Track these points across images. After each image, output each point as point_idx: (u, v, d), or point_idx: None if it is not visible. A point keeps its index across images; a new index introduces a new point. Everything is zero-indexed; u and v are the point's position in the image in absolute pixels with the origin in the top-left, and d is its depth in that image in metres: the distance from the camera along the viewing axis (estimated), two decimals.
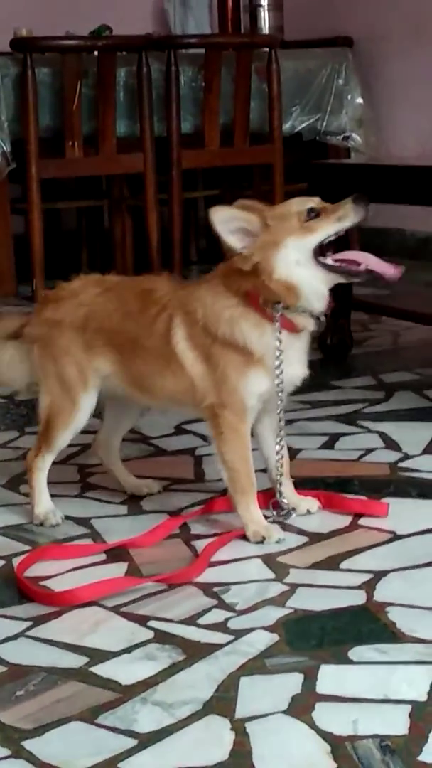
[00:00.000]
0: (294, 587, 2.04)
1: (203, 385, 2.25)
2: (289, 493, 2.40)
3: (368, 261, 2.22)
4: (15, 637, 1.89)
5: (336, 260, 2.20)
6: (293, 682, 1.70)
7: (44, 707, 1.66)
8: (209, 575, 2.11)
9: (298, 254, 2.16)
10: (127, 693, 1.69)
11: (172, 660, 1.79)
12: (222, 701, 1.66)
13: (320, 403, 3.22)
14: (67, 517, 2.42)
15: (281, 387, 2.25)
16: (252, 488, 2.28)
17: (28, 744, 1.56)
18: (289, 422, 3.02)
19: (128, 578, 2.10)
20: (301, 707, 1.63)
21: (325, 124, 5.62)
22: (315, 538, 2.27)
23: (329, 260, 2.19)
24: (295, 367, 2.27)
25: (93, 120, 5.04)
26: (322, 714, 1.61)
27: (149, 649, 1.83)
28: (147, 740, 1.56)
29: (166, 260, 5.29)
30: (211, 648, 1.82)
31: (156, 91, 5.14)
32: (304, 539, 2.26)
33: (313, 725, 1.58)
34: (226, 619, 1.92)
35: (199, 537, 2.29)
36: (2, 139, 4.91)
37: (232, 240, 2.16)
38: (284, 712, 1.62)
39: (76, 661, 1.80)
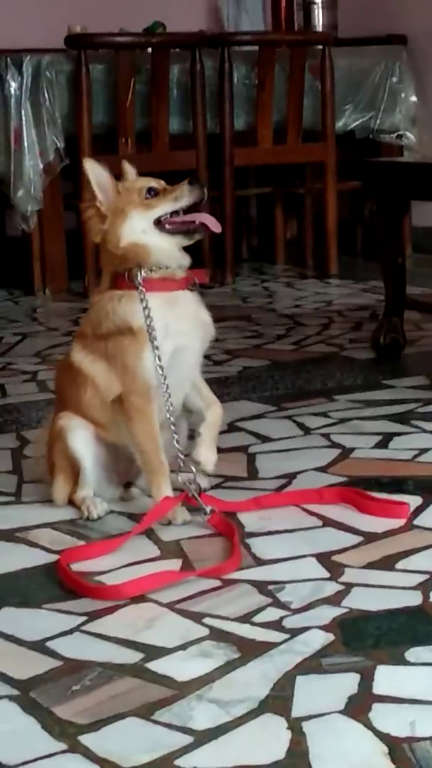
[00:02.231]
0: (349, 587, 2.03)
1: (106, 380, 2.37)
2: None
3: (200, 217, 2.37)
4: (70, 631, 1.89)
5: (173, 223, 2.35)
6: (350, 682, 1.69)
7: (100, 702, 1.66)
8: (263, 573, 2.10)
9: (142, 224, 2.35)
10: (182, 690, 1.69)
11: (228, 658, 1.78)
12: (278, 700, 1.65)
13: (373, 403, 3.21)
14: (120, 513, 2.42)
15: (158, 353, 2.31)
16: (162, 468, 2.36)
17: (85, 739, 1.56)
18: (342, 421, 3.03)
19: (169, 572, 2.09)
20: (358, 707, 1.62)
21: (378, 122, 5.60)
22: (370, 537, 2.25)
23: (167, 225, 2.35)
24: (187, 322, 2.36)
25: (146, 117, 5.05)
26: (379, 715, 1.59)
27: (204, 646, 1.82)
28: (203, 738, 1.56)
29: (217, 258, 5.29)
30: (267, 646, 1.81)
31: (209, 88, 5.15)
32: (359, 539, 2.25)
33: (370, 726, 1.57)
34: (281, 618, 1.91)
35: (253, 534, 2.29)
36: (56, 135, 4.93)
37: (99, 192, 2.36)
38: (341, 712, 1.61)
39: (131, 656, 1.80)
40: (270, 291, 5.19)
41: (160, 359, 2.32)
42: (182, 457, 2.37)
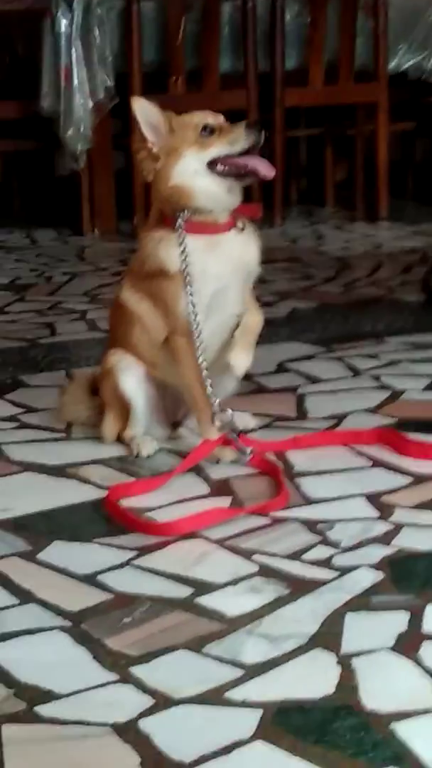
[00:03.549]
0: (399, 527, 2.02)
1: (152, 319, 2.37)
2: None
3: (253, 162, 2.31)
4: (121, 566, 1.91)
5: (226, 164, 2.30)
6: (399, 620, 1.69)
7: (151, 635, 1.67)
8: (312, 512, 2.11)
9: (195, 164, 2.30)
10: (232, 625, 1.70)
11: (277, 594, 1.79)
12: (327, 636, 1.65)
13: (423, 345, 3.18)
14: (169, 451, 2.43)
15: (192, 299, 2.30)
16: (209, 406, 2.33)
17: (136, 670, 1.58)
18: (391, 363, 3.02)
19: (219, 510, 2.10)
20: (408, 645, 1.62)
21: (431, 63, 5.51)
22: (419, 478, 2.25)
23: (220, 167, 2.30)
24: (228, 265, 2.34)
25: (196, 55, 5.00)
26: (429, 653, 1.60)
27: (254, 582, 1.83)
28: (253, 671, 1.57)
29: (266, 199, 5.26)
30: (316, 584, 1.82)
31: (260, 26, 5.08)
32: (409, 479, 2.25)
33: (420, 663, 1.57)
34: (331, 556, 1.92)
35: (302, 474, 2.29)
36: (106, 73, 4.89)
37: (148, 131, 2.30)
38: (390, 649, 1.61)
39: (181, 591, 1.81)
40: (319, 233, 5.16)
41: (194, 305, 2.29)
42: (217, 401, 2.34)
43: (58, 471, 2.35)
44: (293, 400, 2.77)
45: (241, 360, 2.36)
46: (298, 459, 2.36)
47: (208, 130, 2.30)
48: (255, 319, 2.42)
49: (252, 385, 2.85)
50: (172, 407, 2.48)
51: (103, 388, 2.45)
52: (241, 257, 2.37)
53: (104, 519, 2.11)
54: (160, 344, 2.38)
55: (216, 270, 2.33)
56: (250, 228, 2.40)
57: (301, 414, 2.67)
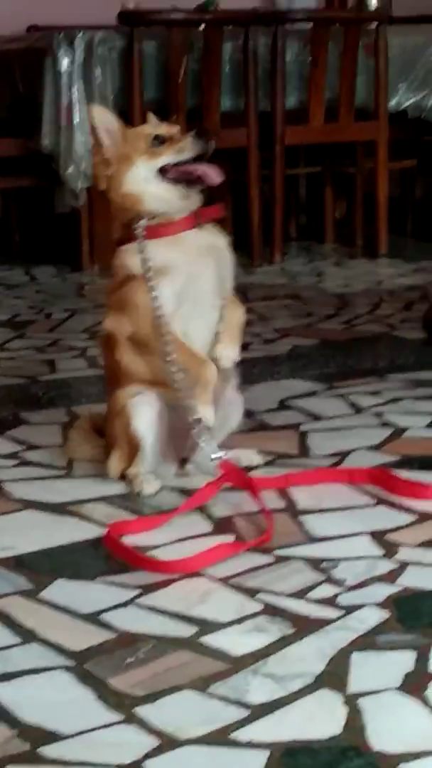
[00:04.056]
0: (404, 565, 2.02)
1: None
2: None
3: (200, 168, 2.38)
4: (124, 604, 1.90)
5: (175, 172, 2.38)
6: (406, 660, 1.68)
7: (155, 675, 1.66)
8: (316, 550, 2.10)
9: (145, 172, 2.38)
10: (237, 664, 1.68)
11: (282, 633, 1.78)
12: (333, 676, 1.64)
13: (425, 383, 3.18)
14: (172, 488, 2.42)
15: (161, 289, 2.34)
16: (205, 371, 2.34)
17: (141, 710, 1.57)
18: (394, 400, 3.02)
19: (223, 545, 2.09)
20: (415, 685, 1.61)
21: (431, 101, 5.54)
22: (424, 516, 2.24)
23: (171, 174, 2.38)
24: (194, 254, 2.37)
25: (197, 94, 5.03)
26: None
27: (259, 621, 1.82)
28: (259, 712, 1.55)
29: (266, 236, 5.28)
30: (321, 623, 1.81)
31: (261, 66, 5.11)
32: (413, 517, 2.24)
33: (427, 703, 1.56)
34: (335, 595, 1.91)
35: (305, 512, 2.28)
36: None
37: (105, 137, 2.40)
38: (397, 689, 1.60)
39: (185, 630, 1.80)
40: (319, 270, 5.17)
41: (166, 301, 2.34)
42: (194, 427, 2.34)
43: (60, 509, 2.34)
44: (296, 437, 2.76)
45: (227, 351, 2.38)
46: (301, 496, 2.36)
47: (159, 140, 2.40)
48: (236, 312, 2.44)
49: (254, 423, 2.84)
50: (180, 443, 2.47)
51: (111, 425, 2.45)
52: (208, 246, 2.40)
53: (106, 557, 2.10)
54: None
55: (182, 260, 2.36)
56: (215, 229, 2.44)
57: (304, 451, 2.66)
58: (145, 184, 2.39)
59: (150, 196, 2.39)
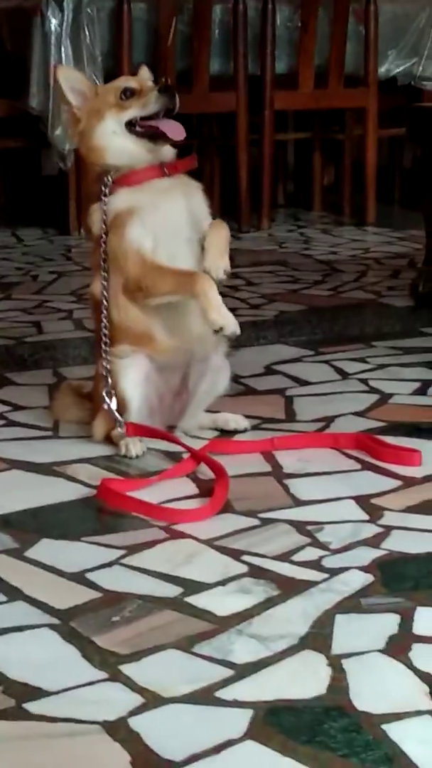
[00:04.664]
0: (388, 529, 2.02)
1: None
2: None
3: (162, 124, 2.39)
4: (110, 564, 1.90)
5: (141, 126, 2.39)
6: (389, 622, 1.69)
7: (140, 634, 1.67)
8: (302, 513, 2.10)
9: (113, 125, 2.40)
10: (222, 624, 1.69)
11: (267, 594, 1.78)
12: (318, 637, 1.65)
13: (412, 350, 3.19)
14: (160, 451, 2.42)
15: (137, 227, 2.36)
16: (191, 277, 2.31)
17: (126, 668, 1.57)
18: (380, 367, 3.03)
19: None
20: (398, 647, 1.62)
21: (421, 68, 5.53)
22: (409, 481, 2.25)
23: (137, 128, 2.40)
24: (164, 194, 2.38)
25: (187, 57, 5.00)
26: (420, 655, 1.60)
27: (244, 582, 1.83)
28: (244, 671, 1.56)
29: (254, 202, 5.26)
30: (306, 585, 1.81)
31: (251, 29, 5.08)
32: (398, 483, 2.25)
33: (410, 665, 1.57)
34: (320, 558, 1.92)
35: (291, 476, 2.29)
36: (95, 73, 4.88)
37: (72, 96, 2.42)
38: (381, 651, 1.61)
39: (170, 590, 1.80)
40: (306, 237, 5.17)
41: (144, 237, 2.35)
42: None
43: (46, 469, 2.34)
44: (282, 402, 2.77)
45: (217, 262, 2.33)
46: (287, 461, 2.36)
47: (128, 93, 2.41)
48: (220, 228, 2.39)
49: (240, 387, 2.84)
50: (168, 410, 2.47)
51: (97, 387, 2.44)
52: (174, 186, 2.40)
53: (93, 517, 2.11)
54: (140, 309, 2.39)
55: (147, 200, 2.37)
56: (191, 181, 2.45)
57: (290, 416, 2.67)
58: (112, 136, 2.40)
59: (115, 149, 2.40)
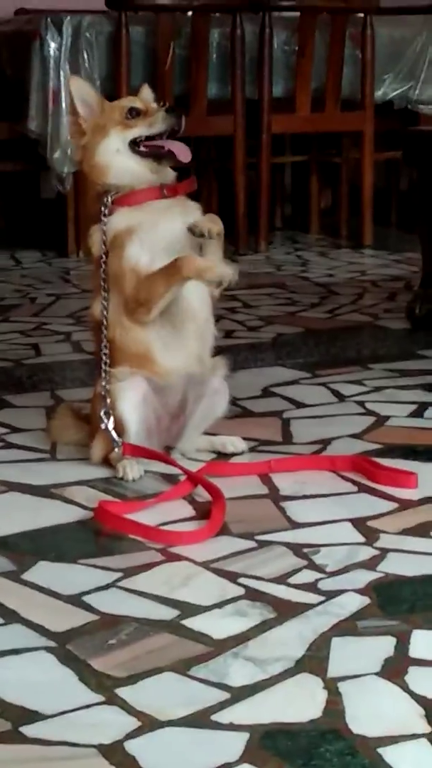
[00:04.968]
0: (384, 552, 2.03)
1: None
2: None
3: (169, 144, 2.41)
4: (106, 587, 1.90)
5: (146, 146, 2.41)
6: (386, 645, 1.69)
7: (136, 657, 1.67)
8: (298, 536, 2.11)
9: (117, 143, 2.42)
10: (218, 647, 1.69)
11: (263, 617, 1.78)
12: (314, 660, 1.65)
13: (408, 372, 3.20)
14: (157, 473, 2.42)
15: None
16: (175, 265, 2.31)
17: (122, 692, 1.57)
18: (376, 389, 3.03)
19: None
20: (394, 670, 1.62)
21: (417, 92, 5.55)
22: (405, 504, 2.25)
23: (141, 148, 2.42)
24: (163, 215, 2.38)
25: (184, 81, 5.02)
26: (416, 678, 1.60)
27: (240, 605, 1.83)
28: (240, 694, 1.56)
29: (251, 225, 5.28)
30: (302, 607, 1.81)
31: (248, 53, 5.11)
32: (394, 505, 2.25)
33: (406, 688, 1.57)
34: (317, 580, 1.92)
35: (287, 498, 2.29)
36: None
37: (81, 107, 2.44)
38: (377, 674, 1.61)
39: (167, 613, 1.80)
40: (303, 260, 5.18)
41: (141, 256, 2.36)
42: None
43: (43, 491, 2.34)
44: (279, 424, 2.77)
45: (205, 223, 2.34)
46: (284, 483, 2.36)
47: (134, 113, 2.43)
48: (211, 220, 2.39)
49: (237, 410, 2.84)
50: (166, 432, 2.47)
51: (95, 409, 2.44)
52: (173, 206, 2.40)
53: (89, 540, 2.11)
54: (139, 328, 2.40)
55: (145, 219, 2.37)
56: (190, 202, 2.44)
57: (287, 438, 2.67)
58: (115, 155, 2.41)
59: (118, 168, 2.41)
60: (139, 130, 2.41)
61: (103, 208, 2.40)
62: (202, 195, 5.44)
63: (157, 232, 2.37)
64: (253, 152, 5.18)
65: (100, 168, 2.42)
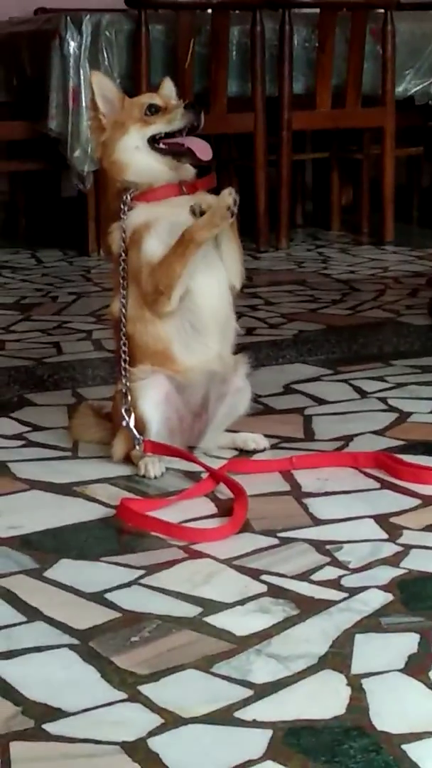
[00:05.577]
0: (408, 548, 2.02)
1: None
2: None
3: (189, 142, 2.40)
4: (128, 584, 1.90)
5: (166, 143, 2.41)
6: (409, 642, 1.68)
7: (159, 654, 1.67)
8: (321, 533, 2.10)
9: (137, 140, 2.42)
10: (241, 644, 1.69)
11: (286, 614, 1.78)
12: (337, 657, 1.65)
13: (430, 368, 3.18)
14: (179, 471, 2.42)
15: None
16: (187, 236, 2.31)
17: (144, 689, 1.57)
18: (399, 386, 3.02)
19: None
20: (418, 667, 1.61)
21: None
22: (428, 500, 2.24)
23: (161, 145, 2.42)
24: (184, 211, 2.35)
25: (204, 79, 5.02)
26: None
27: (263, 602, 1.82)
28: (263, 691, 1.56)
29: (272, 222, 5.27)
30: (325, 604, 1.81)
31: (269, 50, 5.10)
32: (417, 501, 2.24)
33: (430, 685, 1.56)
34: (340, 577, 1.91)
35: (310, 495, 2.28)
36: None
37: (101, 103, 2.44)
38: (401, 670, 1.60)
39: (189, 610, 1.80)
40: (325, 256, 5.17)
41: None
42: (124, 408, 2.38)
43: (65, 489, 2.34)
44: (300, 421, 2.76)
45: (208, 198, 2.35)
46: (306, 480, 2.36)
47: (153, 110, 2.43)
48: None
49: (259, 407, 2.84)
50: (188, 431, 2.47)
51: (117, 407, 2.44)
52: (191, 201, 2.38)
53: (112, 537, 2.11)
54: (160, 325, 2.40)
55: (164, 213, 2.37)
56: (209, 197, 2.40)
57: (309, 435, 2.66)
58: (134, 152, 2.41)
59: (137, 165, 2.41)
60: (158, 126, 2.41)
61: (122, 206, 2.40)
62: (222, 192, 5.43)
63: (174, 226, 2.36)
64: (274, 149, 5.17)
65: (119, 165, 2.43)
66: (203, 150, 2.41)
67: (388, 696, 1.54)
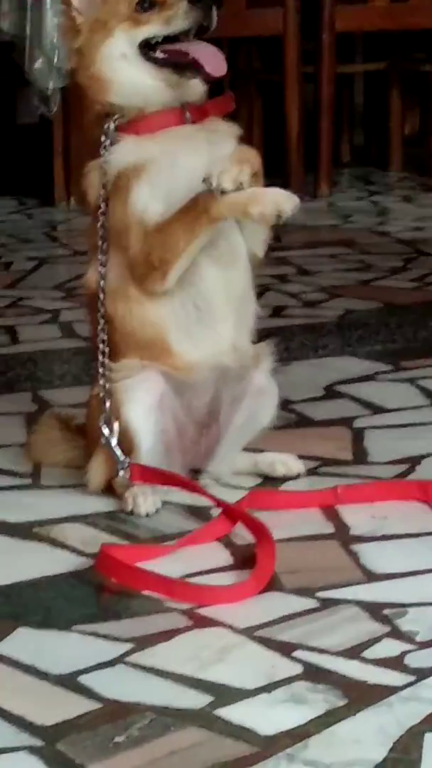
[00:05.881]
0: None
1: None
2: None
3: (195, 49, 2.40)
4: (112, 663, 1.91)
5: (164, 51, 2.41)
6: None
7: (154, 760, 1.67)
8: (377, 592, 2.11)
9: (124, 45, 2.42)
10: (267, 747, 1.69)
11: (329, 705, 1.79)
12: (401, 764, 1.65)
13: None
14: (180, 506, 2.44)
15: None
16: (203, 205, 2.33)
17: None
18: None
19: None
20: None
21: None
22: None
23: (157, 53, 2.42)
24: (188, 146, 2.40)
25: None
26: None
27: (296, 688, 1.83)
28: None
29: (308, 159, 5.29)
30: (383, 692, 1.82)
31: None
32: None
33: None
34: (403, 653, 1.92)
35: (361, 540, 2.30)
36: None
37: None
38: None
39: (196, 700, 1.81)
40: (381, 207, 5.20)
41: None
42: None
43: (23, 531, 2.36)
44: (348, 436, 2.78)
45: (225, 175, 2.31)
46: (357, 519, 2.37)
47: (147, 5, 2.41)
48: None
49: (291, 416, 2.85)
50: (192, 448, 2.48)
51: (94, 417, 2.46)
52: (198, 132, 2.42)
53: (88, 598, 2.12)
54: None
55: (160, 151, 2.38)
56: (224, 126, 2.45)
57: (360, 456, 2.68)
58: (121, 62, 2.42)
59: (124, 81, 2.42)
60: (154, 27, 2.41)
61: (103, 138, 2.41)
62: (240, 118, 5.46)
63: (176, 170, 2.38)
64: (311, 59, 5.19)
65: (100, 80, 2.43)
66: (214, 60, 2.41)
67: None
